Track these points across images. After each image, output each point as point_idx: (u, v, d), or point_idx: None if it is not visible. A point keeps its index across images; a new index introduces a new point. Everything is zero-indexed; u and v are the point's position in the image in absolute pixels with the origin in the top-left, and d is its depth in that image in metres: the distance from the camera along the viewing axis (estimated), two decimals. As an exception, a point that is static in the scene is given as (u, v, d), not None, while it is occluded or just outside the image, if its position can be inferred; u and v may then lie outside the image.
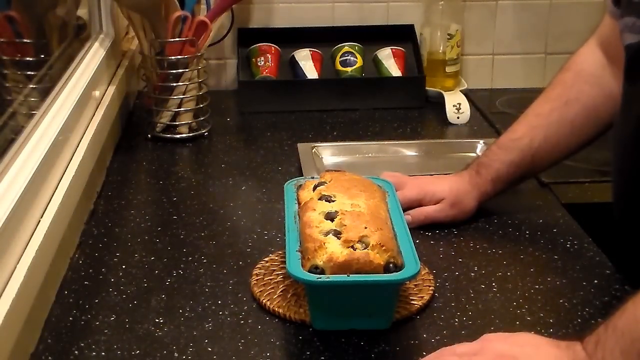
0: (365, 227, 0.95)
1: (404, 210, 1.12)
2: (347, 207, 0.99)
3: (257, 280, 1.07)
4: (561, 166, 1.49)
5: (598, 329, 0.82)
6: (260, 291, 1.04)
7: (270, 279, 1.06)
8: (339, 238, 0.94)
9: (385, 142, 1.58)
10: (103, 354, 0.93)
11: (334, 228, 0.96)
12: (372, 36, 1.88)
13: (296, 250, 0.95)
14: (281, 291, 1.04)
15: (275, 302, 1.01)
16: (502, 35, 1.97)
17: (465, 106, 1.75)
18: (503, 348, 0.85)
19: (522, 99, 1.93)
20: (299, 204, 1.05)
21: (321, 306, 0.96)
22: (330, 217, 0.98)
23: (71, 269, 1.11)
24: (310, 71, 1.83)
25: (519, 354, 0.83)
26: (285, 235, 1.00)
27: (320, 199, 1.02)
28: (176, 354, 0.93)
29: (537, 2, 1.95)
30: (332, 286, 0.91)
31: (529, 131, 1.22)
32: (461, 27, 1.90)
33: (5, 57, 1.34)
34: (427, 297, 1.02)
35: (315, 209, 1.00)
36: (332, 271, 0.91)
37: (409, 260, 0.93)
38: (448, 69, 1.88)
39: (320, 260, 0.92)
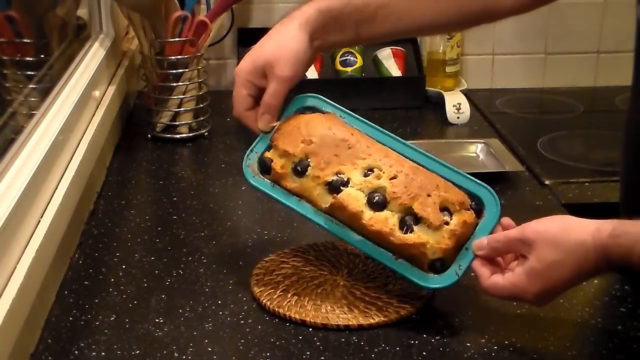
0: (429, 196, 0.89)
1: None
2: (383, 181, 0.92)
3: (257, 280, 1.06)
4: (561, 166, 1.50)
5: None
6: (260, 291, 1.04)
7: (270, 279, 1.06)
8: (429, 227, 0.90)
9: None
10: (103, 354, 0.93)
11: (404, 215, 0.90)
12: (372, 36, 1.87)
13: (394, 259, 0.94)
14: (281, 291, 1.04)
15: (275, 302, 1.01)
16: (502, 35, 1.97)
17: (465, 106, 1.75)
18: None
19: (522, 99, 1.94)
20: (298, 195, 0.99)
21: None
22: (381, 205, 0.91)
23: (71, 269, 1.11)
24: (310, 71, 1.83)
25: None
26: (358, 249, 0.97)
27: (331, 189, 0.94)
28: (176, 354, 0.93)
29: (537, 2, 1.95)
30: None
31: None
32: (461, 27, 1.90)
33: (5, 57, 1.34)
34: (427, 297, 1.02)
35: (359, 207, 0.92)
36: (451, 255, 0.92)
37: (484, 195, 0.95)
38: (448, 69, 1.88)
39: (435, 256, 0.91)
